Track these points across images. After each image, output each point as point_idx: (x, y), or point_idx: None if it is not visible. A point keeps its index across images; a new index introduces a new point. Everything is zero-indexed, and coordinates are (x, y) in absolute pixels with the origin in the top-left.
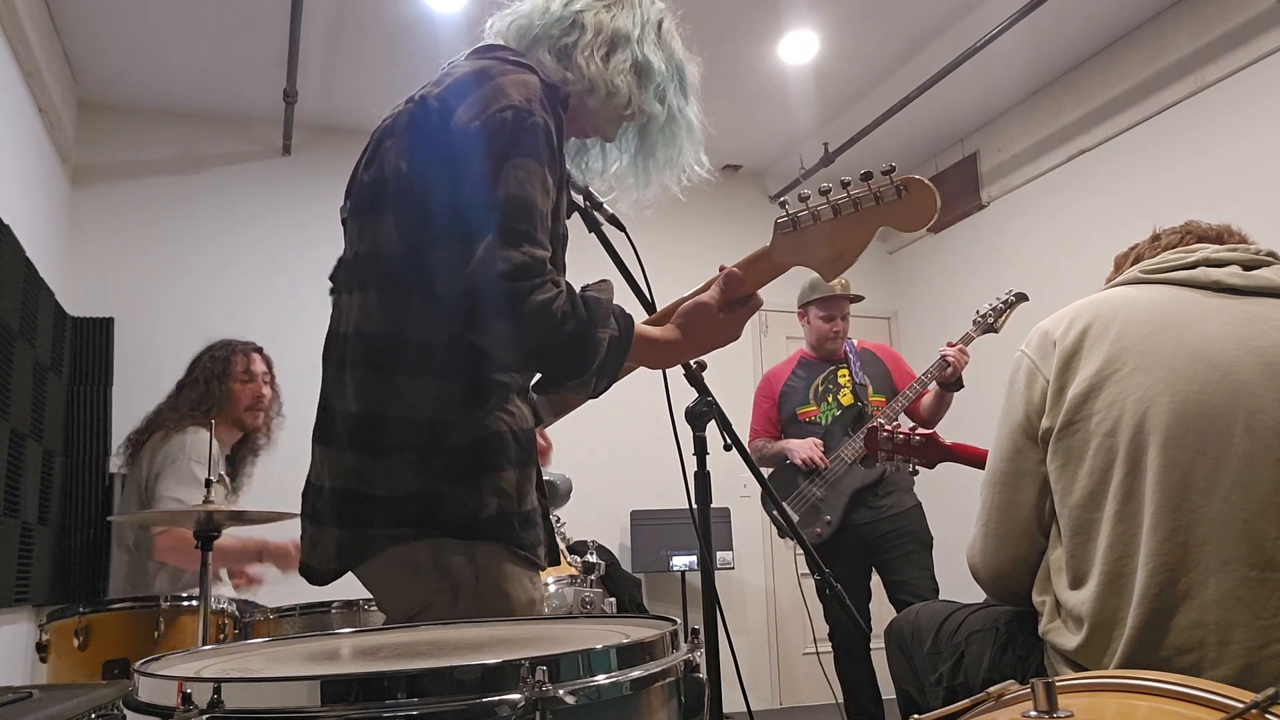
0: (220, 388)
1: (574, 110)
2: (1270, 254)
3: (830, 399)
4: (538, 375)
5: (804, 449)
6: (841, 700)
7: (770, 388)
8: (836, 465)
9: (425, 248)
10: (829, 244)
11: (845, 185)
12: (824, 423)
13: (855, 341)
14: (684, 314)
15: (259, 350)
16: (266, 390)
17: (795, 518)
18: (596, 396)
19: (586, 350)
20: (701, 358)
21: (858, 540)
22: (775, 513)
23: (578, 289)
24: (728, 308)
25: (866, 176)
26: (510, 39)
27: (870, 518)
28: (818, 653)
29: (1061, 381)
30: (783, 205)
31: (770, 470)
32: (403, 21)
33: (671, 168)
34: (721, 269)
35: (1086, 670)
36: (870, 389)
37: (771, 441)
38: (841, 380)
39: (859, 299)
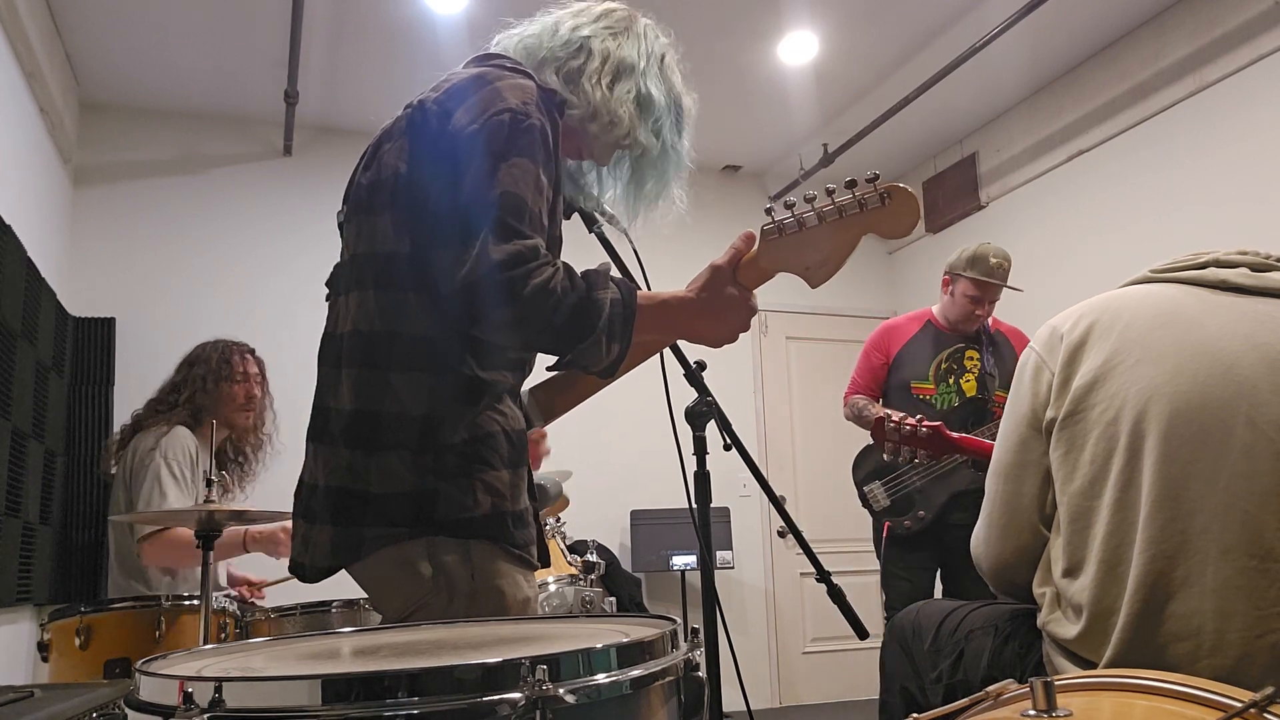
0: (217, 387)
1: (572, 130)
2: None
3: (951, 380)
4: (534, 375)
5: None
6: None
7: (887, 343)
8: (946, 460)
9: (423, 247)
10: (814, 250)
11: (830, 192)
12: (939, 406)
13: (990, 320)
14: (697, 279)
15: (252, 351)
16: (257, 391)
17: (886, 503)
18: (611, 374)
19: (589, 313)
20: (701, 358)
21: (943, 536)
22: (867, 489)
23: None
24: (736, 284)
25: (851, 184)
26: (517, 56)
27: (961, 520)
28: (817, 652)
29: (1066, 373)
30: (769, 213)
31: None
32: (403, 22)
33: (656, 201)
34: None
35: (1085, 660)
36: (997, 380)
37: (874, 405)
38: (968, 363)
39: (1017, 289)
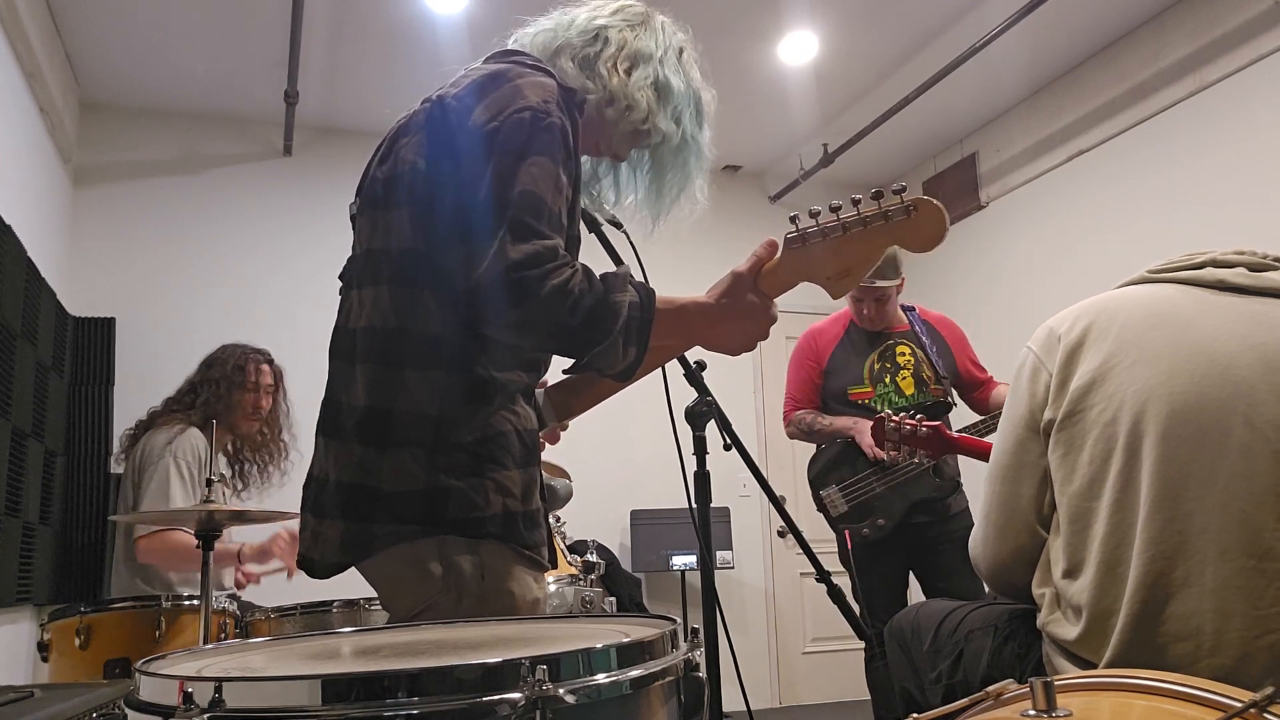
0: (229, 394)
1: (590, 120)
2: (1278, 259)
3: (888, 380)
4: (559, 364)
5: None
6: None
7: (817, 350)
8: (906, 467)
9: (439, 244)
10: (836, 261)
11: (855, 203)
12: (880, 409)
13: (917, 309)
14: (717, 285)
15: (270, 361)
16: (266, 401)
17: (844, 508)
18: (628, 377)
19: (606, 316)
20: (701, 358)
21: (907, 540)
22: (824, 493)
23: None
24: (757, 291)
25: (877, 195)
26: (534, 51)
27: (924, 519)
28: (817, 652)
29: (1064, 375)
30: (793, 220)
31: (823, 444)
32: (403, 22)
33: (681, 194)
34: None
35: (1085, 661)
36: (940, 372)
37: (821, 416)
38: (900, 359)
39: (889, 285)
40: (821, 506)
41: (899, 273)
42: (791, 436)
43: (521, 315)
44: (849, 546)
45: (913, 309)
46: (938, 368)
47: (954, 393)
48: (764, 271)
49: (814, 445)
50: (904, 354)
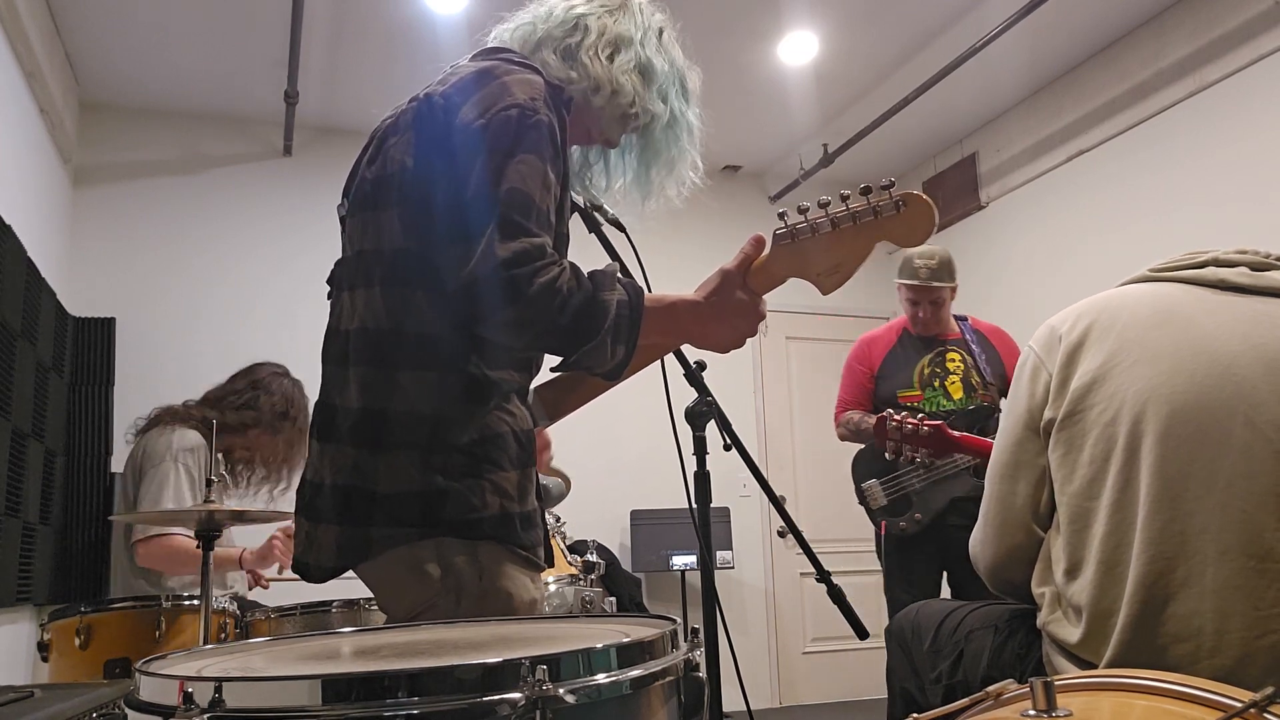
0: (252, 427)
1: (578, 111)
2: (1279, 258)
3: (937, 384)
4: (549, 363)
5: None
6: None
7: (869, 356)
8: (947, 465)
9: (430, 244)
10: (826, 257)
11: (844, 199)
12: (928, 410)
13: (969, 319)
14: (706, 283)
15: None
16: (280, 454)
17: (884, 502)
18: (616, 376)
19: (595, 315)
20: (701, 358)
21: (942, 539)
22: (865, 486)
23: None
24: (745, 289)
25: (865, 191)
26: (514, 45)
27: (962, 521)
28: (817, 652)
29: (1065, 374)
30: (781, 217)
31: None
32: (403, 22)
33: (673, 172)
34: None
35: (1085, 661)
36: (986, 380)
37: (869, 416)
38: (950, 365)
39: (949, 285)
40: (863, 499)
41: (954, 277)
42: (842, 438)
43: (510, 314)
44: (881, 538)
45: (965, 318)
46: (985, 375)
47: (1001, 400)
48: (754, 269)
49: (857, 446)
50: (954, 360)
